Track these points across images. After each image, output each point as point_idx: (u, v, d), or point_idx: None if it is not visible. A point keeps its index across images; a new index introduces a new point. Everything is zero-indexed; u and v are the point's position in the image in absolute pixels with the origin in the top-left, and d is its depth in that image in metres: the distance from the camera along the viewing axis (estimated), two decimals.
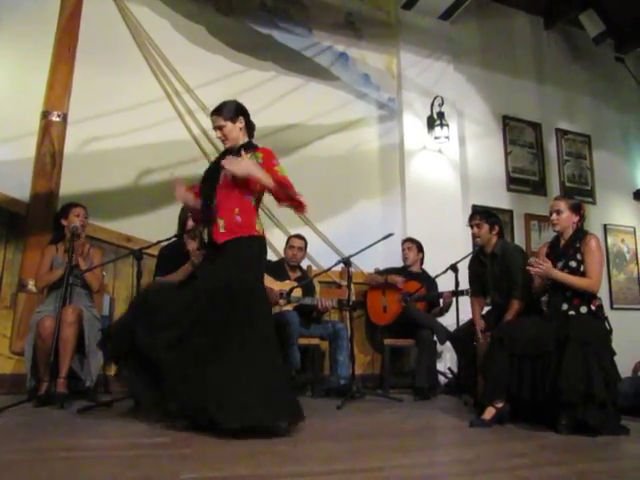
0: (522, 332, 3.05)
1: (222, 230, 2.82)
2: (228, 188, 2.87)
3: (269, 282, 4.41)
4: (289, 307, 4.35)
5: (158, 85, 4.88)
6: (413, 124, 5.70)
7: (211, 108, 4.86)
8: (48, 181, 4.23)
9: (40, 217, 4.00)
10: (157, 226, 4.36)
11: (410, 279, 4.79)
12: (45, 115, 4.31)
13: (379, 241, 4.17)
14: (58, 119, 4.24)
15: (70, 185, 4.34)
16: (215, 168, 2.97)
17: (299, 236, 4.70)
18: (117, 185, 4.63)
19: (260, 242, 2.89)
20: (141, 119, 4.69)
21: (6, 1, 4.43)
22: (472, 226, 4.07)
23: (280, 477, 1.96)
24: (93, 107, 4.52)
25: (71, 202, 4.03)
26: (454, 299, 4.45)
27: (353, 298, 4.34)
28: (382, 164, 5.64)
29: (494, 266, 3.90)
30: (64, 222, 3.92)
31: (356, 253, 4.16)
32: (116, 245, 4.46)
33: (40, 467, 2.04)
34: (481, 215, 4.06)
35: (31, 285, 4.02)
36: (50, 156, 4.10)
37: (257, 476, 1.99)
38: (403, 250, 4.91)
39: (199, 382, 2.60)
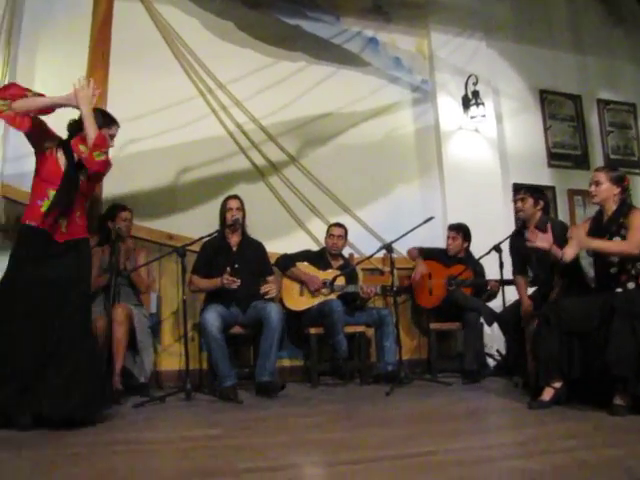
0: (568, 310, 2.98)
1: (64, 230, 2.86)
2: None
3: (312, 271, 4.45)
4: (333, 296, 4.35)
5: (191, 83, 4.92)
6: (448, 105, 5.60)
7: (244, 102, 4.98)
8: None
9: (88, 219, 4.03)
10: (198, 223, 4.44)
11: (456, 263, 4.73)
12: None
13: (419, 225, 4.13)
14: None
15: (112, 187, 4.39)
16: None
17: (339, 224, 4.68)
18: (157, 184, 4.71)
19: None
20: (177, 118, 4.74)
21: (41, 15, 4.52)
22: (516, 201, 3.99)
23: (334, 464, 1.97)
24: (130, 110, 4.54)
25: (118, 204, 4.13)
26: (500, 287, 4.39)
27: (397, 284, 4.32)
28: (418, 147, 5.57)
29: None
30: (110, 225, 4.01)
31: (397, 239, 4.13)
32: (159, 244, 4.50)
33: (100, 460, 2.11)
34: (526, 189, 3.99)
35: None
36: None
37: (311, 464, 2.01)
38: (448, 238, 4.84)
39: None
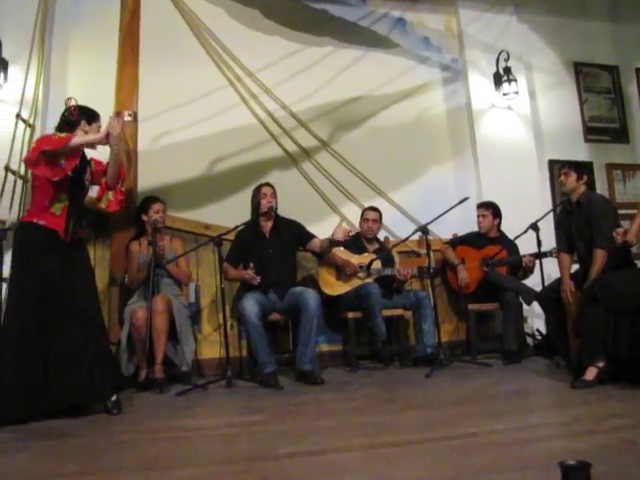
0: (618, 287, 2.89)
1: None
2: None
3: (347, 255, 4.44)
4: (370, 279, 4.34)
5: (220, 73, 4.92)
6: (479, 83, 5.48)
7: (274, 89, 4.97)
8: (126, 179, 4.32)
9: (122, 214, 4.08)
10: (233, 211, 4.46)
11: (488, 243, 4.66)
12: (117, 115, 4.40)
13: (455, 206, 4.09)
14: (129, 118, 4.36)
15: (147, 180, 4.46)
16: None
17: (373, 208, 4.65)
18: (191, 175, 4.74)
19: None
20: (207, 108, 4.76)
21: (72, 14, 4.59)
22: (559, 175, 3.90)
23: (375, 447, 1.97)
24: (161, 102, 4.61)
25: (149, 196, 4.18)
26: (537, 261, 4.30)
27: (433, 266, 4.28)
28: (451, 127, 5.47)
29: (579, 215, 3.71)
30: (144, 217, 4.07)
31: (432, 220, 4.11)
32: (196, 234, 4.53)
33: (146, 447, 2.15)
34: (570, 164, 3.88)
35: (120, 279, 4.19)
36: (125, 154, 4.19)
37: (353, 447, 2.01)
38: (478, 217, 4.77)
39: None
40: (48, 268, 2.85)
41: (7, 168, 3.94)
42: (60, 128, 3.03)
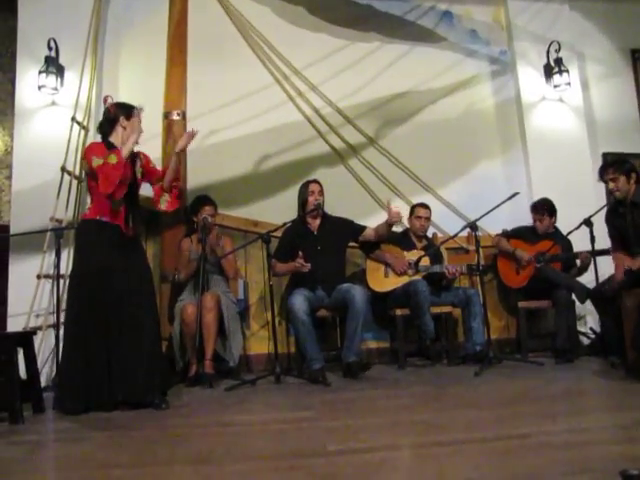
0: None
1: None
2: None
3: (396, 252, 4.43)
4: (418, 276, 4.31)
5: (266, 71, 4.98)
6: (529, 75, 5.35)
7: (320, 86, 4.98)
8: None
9: (173, 212, 4.19)
10: (280, 208, 4.52)
11: (542, 239, 4.56)
12: (166, 116, 4.55)
13: (504, 202, 4.00)
14: (178, 118, 4.47)
15: (196, 179, 4.56)
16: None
17: (424, 205, 4.62)
18: (239, 173, 4.82)
19: None
20: (254, 107, 4.83)
21: (123, 19, 4.75)
22: (606, 181, 3.72)
23: (425, 446, 1.96)
24: (208, 102, 4.71)
25: (200, 196, 4.24)
26: (592, 259, 4.18)
27: (482, 262, 4.22)
28: (500, 121, 5.37)
29: (635, 215, 3.57)
30: (195, 218, 4.14)
31: (481, 216, 4.05)
32: (244, 231, 4.62)
33: (199, 441, 2.20)
34: (614, 167, 3.66)
35: (171, 276, 4.27)
36: (176, 154, 4.28)
37: (401, 445, 2.00)
38: (534, 221, 4.63)
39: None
40: (111, 263, 2.95)
41: (63, 169, 4.10)
42: (102, 126, 3.16)
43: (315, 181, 4.28)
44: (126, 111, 3.14)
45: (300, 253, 3.89)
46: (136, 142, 3.06)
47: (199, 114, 4.64)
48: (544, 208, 4.59)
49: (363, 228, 4.26)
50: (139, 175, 3.19)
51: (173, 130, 4.47)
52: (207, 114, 4.70)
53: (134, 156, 3.15)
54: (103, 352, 2.86)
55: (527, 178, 5.18)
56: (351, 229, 4.29)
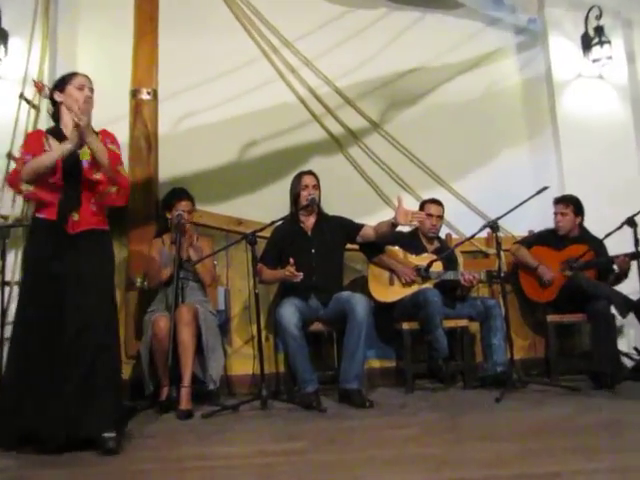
0: None
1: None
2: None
3: (402, 255, 4.44)
4: (429, 284, 4.31)
5: (253, 43, 4.97)
6: (563, 47, 5.35)
7: (315, 61, 4.98)
8: (145, 167, 4.42)
9: (141, 208, 4.22)
10: (269, 205, 4.51)
11: (570, 243, 4.57)
12: (134, 94, 4.51)
13: (531, 198, 4.01)
14: (148, 97, 4.44)
15: (169, 168, 4.55)
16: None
17: (436, 201, 4.61)
18: (220, 163, 4.80)
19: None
20: (238, 85, 4.80)
21: None
22: None
23: None
24: (184, 79, 4.69)
25: (175, 189, 4.21)
26: (632, 262, 4.19)
27: (504, 269, 4.21)
28: (527, 102, 5.38)
29: None
30: (168, 215, 4.11)
31: (504, 215, 4.04)
32: (226, 230, 4.61)
33: (171, 478, 2.18)
34: None
35: (139, 281, 4.29)
36: (144, 139, 4.30)
37: None
38: (555, 215, 4.64)
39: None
40: (47, 270, 2.82)
41: (9, 155, 4.02)
42: (52, 111, 3.09)
43: (309, 172, 4.28)
44: (58, 83, 3.03)
45: (291, 260, 3.88)
46: (81, 131, 2.82)
47: (173, 93, 4.63)
48: (569, 200, 4.61)
49: (360, 227, 4.25)
50: (86, 158, 2.94)
51: (142, 111, 4.45)
52: (182, 93, 4.68)
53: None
54: (41, 381, 2.74)
55: (558, 170, 5.20)
56: (347, 228, 4.28)
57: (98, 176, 2.92)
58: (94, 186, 2.94)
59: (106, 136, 3.07)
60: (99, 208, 2.99)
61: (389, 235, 4.16)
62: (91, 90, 3.00)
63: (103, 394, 2.74)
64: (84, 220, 2.91)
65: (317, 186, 4.23)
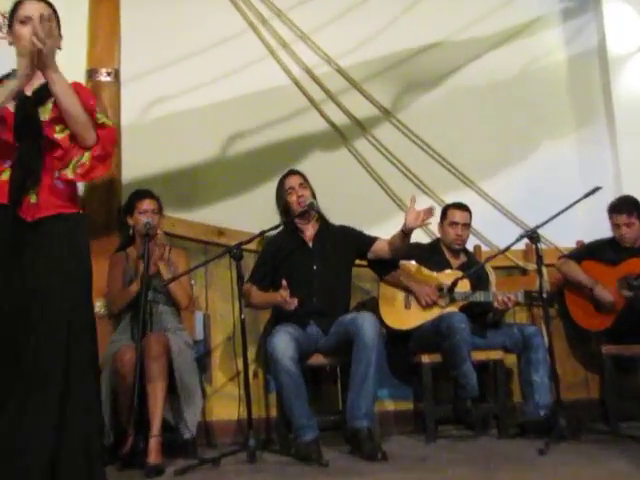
0: None
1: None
2: None
3: (423, 273, 4.43)
4: (454, 307, 4.30)
5: (237, 14, 4.96)
6: (620, 14, 5.36)
7: (313, 36, 4.97)
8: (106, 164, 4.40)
9: (100, 214, 4.18)
10: (258, 211, 4.52)
11: (629, 256, 4.54)
12: (91, 75, 4.46)
13: (579, 200, 4.02)
14: (108, 78, 4.42)
15: (134, 166, 4.51)
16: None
17: (462, 206, 4.58)
18: (198, 160, 4.81)
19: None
20: (219, 65, 4.81)
21: None
22: None
23: None
24: (152, 57, 4.69)
25: (138, 190, 4.19)
26: None
27: (547, 288, 4.19)
28: (573, 84, 5.39)
29: None
30: (130, 221, 4.10)
31: (546, 222, 4.04)
32: (205, 242, 4.61)
33: None
34: None
35: (100, 306, 4.23)
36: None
37: None
38: (616, 226, 4.59)
39: None
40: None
41: None
42: None
43: (291, 172, 4.32)
44: (8, 21, 2.80)
45: (284, 282, 3.86)
46: (29, 69, 2.57)
47: (138, 74, 4.62)
48: (632, 207, 4.56)
49: (372, 240, 4.26)
50: (46, 117, 2.68)
51: (101, 97, 4.38)
52: (151, 74, 4.68)
53: (41, 94, 2.70)
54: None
55: (613, 166, 5.22)
56: (357, 241, 4.29)
57: (63, 135, 2.63)
58: (58, 153, 2.65)
59: (79, 89, 2.77)
60: (67, 184, 2.71)
61: (403, 248, 4.15)
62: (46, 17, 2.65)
63: (72, 462, 2.53)
64: (45, 203, 2.63)
65: (305, 185, 4.24)
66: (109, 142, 2.71)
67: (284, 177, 4.29)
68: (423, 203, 4.83)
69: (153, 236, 3.92)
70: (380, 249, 4.22)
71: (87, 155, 2.65)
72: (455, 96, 5.19)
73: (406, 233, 3.97)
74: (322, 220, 4.28)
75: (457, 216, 4.53)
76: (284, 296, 3.82)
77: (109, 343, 3.98)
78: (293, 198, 4.17)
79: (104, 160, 2.70)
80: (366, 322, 3.80)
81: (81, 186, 4.29)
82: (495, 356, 4.35)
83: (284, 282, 3.85)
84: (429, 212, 3.96)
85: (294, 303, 3.83)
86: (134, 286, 3.92)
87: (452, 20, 5.25)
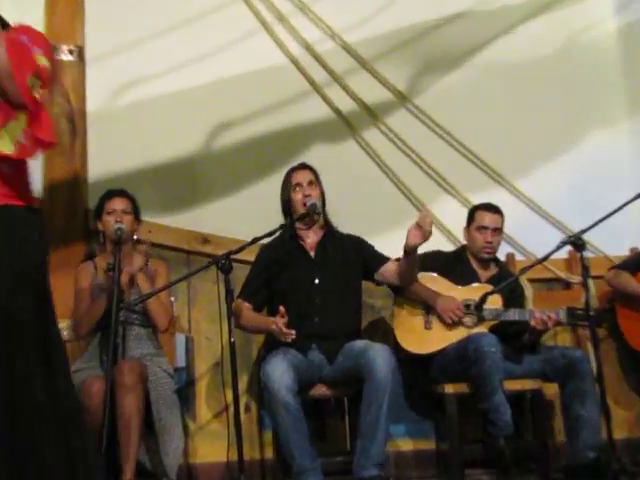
0: None
1: None
2: None
3: (444, 287, 4.38)
4: (483, 328, 4.26)
5: None
6: None
7: (314, 6, 4.94)
8: (68, 159, 4.40)
9: (63, 220, 4.18)
10: (250, 215, 4.58)
11: None
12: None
13: (632, 200, 3.97)
14: (70, 57, 4.42)
15: (103, 162, 4.53)
16: None
17: (493, 208, 4.52)
18: (179, 154, 4.81)
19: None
20: (203, 41, 4.82)
21: None
22: None
23: None
24: (123, 32, 4.68)
25: (109, 190, 4.17)
26: None
27: (595, 304, 4.18)
28: (626, 61, 5.37)
29: None
30: (99, 226, 4.08)
31: (592, 226, 3.96)
32: (187, 251, 4.64)
33: None
34: None
35: (64, 328, 4.14)
36: (66, 119, 4.26)
37: None
38: None
39: None
40: None
41: None
42: None
43: (302, 167, 4.28)
44: None
45: (281, 309, 3.81)
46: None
47: (106, 52, 4.62)
48: None
49: (384, 260, 4.22)
50: None
51: (62, 79, 4.39)
52: (122, 52, 4.67)
53: None
54: None
55: None
56: (366, 257, 4.26)
57: None
58: None
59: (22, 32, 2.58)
60: (12, 167, 2.52)
61: (411, 272, 4.13)
62: None
63: None
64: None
65: (316, 184, 4.20)
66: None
67: (293, 170, 4.25)
68: (446, 203, 4.89)
69: (124, 242, 3.90)
70: (389, 272, 4.19)
71: (23, 118, 2.45)
72: (483, 77, 5.19)
73: (408, 252, 3.94)
74: (327, 226, 4.25)
75: (487, 219, 4.47)
76: (279, 325, 3.77)
77: (73, 372, 3.74)
78: (298, 196, 4.13)
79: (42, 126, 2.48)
80: (379, 357, 3.77)
81: (39, 185, 4.29)
82: (533, 385, 4.31)
83: (281, 308, 3.80)
84: (424, 219, 3.86)
85: (291, 335, 3.76)
86: (102, 300, 3.88)
87: None
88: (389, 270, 4.18)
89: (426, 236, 3.85)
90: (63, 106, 4.30)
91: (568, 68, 5.28)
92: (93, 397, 3.64)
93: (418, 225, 3.84)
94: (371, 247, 4.30)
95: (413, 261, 4.01)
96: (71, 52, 4.43)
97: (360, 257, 4.26)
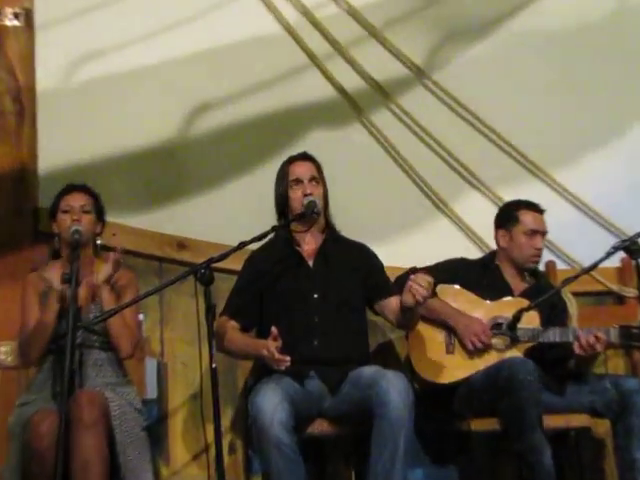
0: None
1: None
2: None
3: (471, 302, 4.31)
4: (517, 352, 4.19)
5: None
6: None
7: None
8: (13, 146, 4.44)
9: (7, 218, 4.19)
10: (235, 216, 4.66)
11: None
12: None
13: None
14: (16, 22, 4.43)
15: (56, 152, 4.51)
16: None
17: (536, 207, 4.46)
18: (149, 142, 4.81)
19: None
20: (180, 5, 4.84)
21: None
22: None
23: None
24: None
25: (68, 185, 4.10)
26: None
27: None
28: None
29: None
30: (54, 227, 4.02)
31: None
32: (159, 259, 4.65)
33: None
34: None
35: (5, 352, 4.18)
36: (11, 98, 4.29)
37: None
38: None
39: None
40: None
41: None
42: None
43: (303, 157, 4.23)
44: None
45: (273, 330, 3.74)
46: None
47: (61, 18, 4.63)
48: None
49: (390, 292, 4.13)
50: None
51: (6, 49, 4.44)
52: (79, 17, 4.65)
53: None
54: None
55: None
56: (371, 280, 4.20)
57: None
58: None
59: None
60: None
61: (410, 322, 4.08)
62: None
63: None
64: None
65: (319, 180, 4.13)
66: None
67: (291, 161, 4.19)
68: (471, 200, 4.82)
69: (81, 246, 3.80)
70: (389, 309, 4.13)
71: None
72: (516, 48, 5.18)
73: (406, 308, 3.88)
74: (329, 229, 4.18)
75: (537, 222, 4.41)
76: (271, 350, 3.69)
77: (18, 405, 3.87)
78: (297, 194, 4.05)
79: None
80: (393, 388, 3.66)
81: None
82: (579, 422, 4.22)
83: (273, 329, 3.74)
84: (419, 282, 3.70)
85: (285, 362, 3.69)
86: (50, 314, 3.78)
87: None
88: (389, 307, 4.12)
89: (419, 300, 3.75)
90: (7, 82, 4.32)
91: (619, 38, 5.24)
92: (43, 437, 3.53)
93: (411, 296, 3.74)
94: (380, 270, 4.28)
95: (412, 315, 3.96)
96: (17, 16, 4.45)
97: (364, 276, 4.21)
